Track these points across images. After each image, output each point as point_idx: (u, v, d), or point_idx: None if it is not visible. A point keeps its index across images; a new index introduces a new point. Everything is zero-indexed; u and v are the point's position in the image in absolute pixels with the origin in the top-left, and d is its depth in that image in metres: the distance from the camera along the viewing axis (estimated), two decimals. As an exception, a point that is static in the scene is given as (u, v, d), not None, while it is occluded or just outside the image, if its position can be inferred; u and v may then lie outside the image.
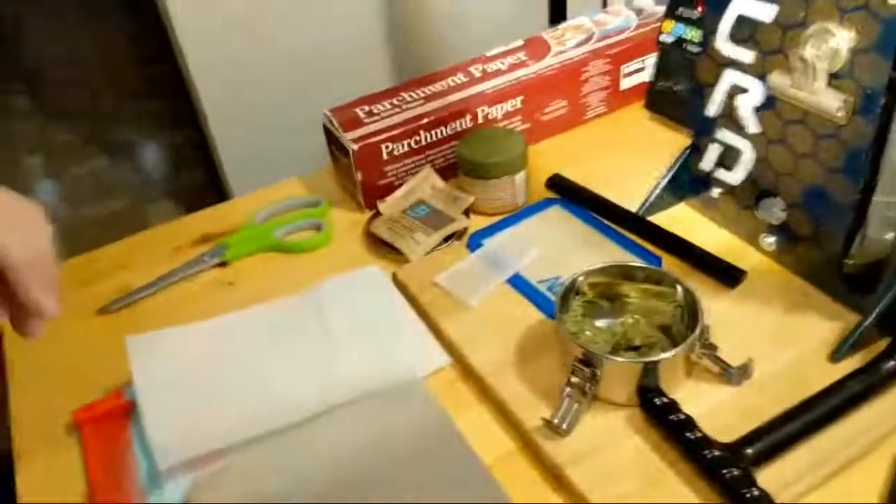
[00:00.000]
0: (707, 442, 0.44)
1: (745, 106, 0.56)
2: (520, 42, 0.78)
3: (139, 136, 2.26)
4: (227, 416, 0.52)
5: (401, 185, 0.71)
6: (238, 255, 0.68)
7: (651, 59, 0.77)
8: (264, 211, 0.72)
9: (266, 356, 0.57)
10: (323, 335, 0.58)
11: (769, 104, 0.54)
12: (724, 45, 0.56)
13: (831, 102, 0.48)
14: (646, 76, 0.78)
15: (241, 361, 0.57)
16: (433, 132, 0.70)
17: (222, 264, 0.68)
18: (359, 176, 0.69)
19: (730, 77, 0.56)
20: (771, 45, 0.52)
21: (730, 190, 0.61)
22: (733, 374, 0.49)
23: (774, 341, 0.52)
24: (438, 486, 0.46)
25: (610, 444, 0.47)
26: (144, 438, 0.51)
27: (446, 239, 0.66)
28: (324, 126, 0.72)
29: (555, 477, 0.47)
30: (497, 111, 0.73)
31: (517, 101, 0.73)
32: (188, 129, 2.07)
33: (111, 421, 0.54)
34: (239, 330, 0.59)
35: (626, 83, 0.79)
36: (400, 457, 0.48)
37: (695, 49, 0.70)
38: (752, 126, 0.56)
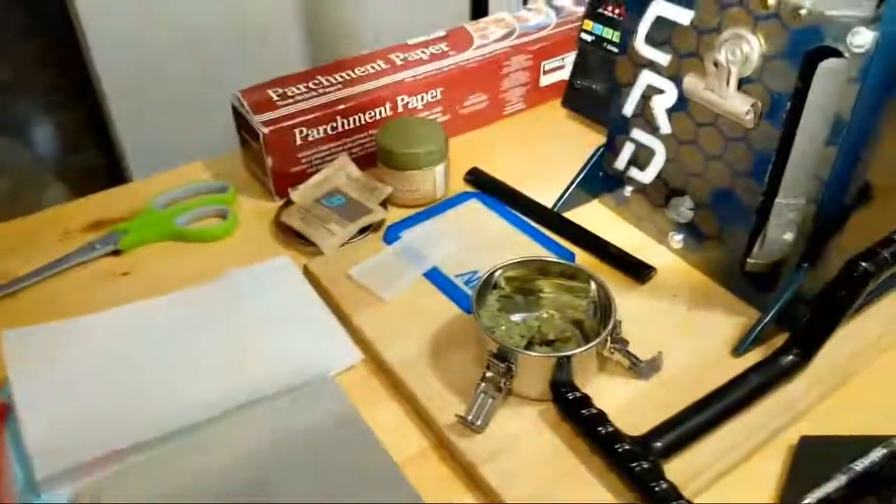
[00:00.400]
0: (618, 436, 0.44)
1: (660, 107, 0.57)
2: (442, 33, 0.77)
3: (31, 114, 2.10)
4: (116, 420, 0.48)
5: (315, 172, 0.68)
6: (134, 243, 0.64)
7: (571, 58, 0.78)
8: (165, 196, 0.68)
9: (164, 352, 0.53)
10: (227, 330, 0.55)
11: (682, 106, 0.55)
12: (642, 46, 0.56)
13: (741, 106, 0.50)
14: (565, 74, 0.79)
15: (135, 359, 0.53)
16: (350, 119, 0.68)
17: (116, 252, 0.63)
18: (269, 162, 0.66)
19: (646, 78, 0.57)
20: (686, 48, 0.53)
21: (641, 189, 0.62)
22: (643, 369, 0.50)
23: (681, 336, 0.54)
24: (348, 486, 0.44)
25: (524, 439, 0.47)
26: (20, 444, 0.46)
27: (362, 231, 0.64)
28: (233, 108, 0.68)
29: (468, 475, 0.46)
30: (417, 101, 0.72)
31: (437, 92, 0.72)
32: (84, 109, 1.95)
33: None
34: (134, 324, 0.55)
35: (545, 80, 0.80)
36: (309, 457, 0.46)
37: (614, 49, 0.71)
38: (665, 127, 0.57)
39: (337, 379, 0.52)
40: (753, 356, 0.52)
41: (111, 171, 1.64)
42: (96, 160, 1.88)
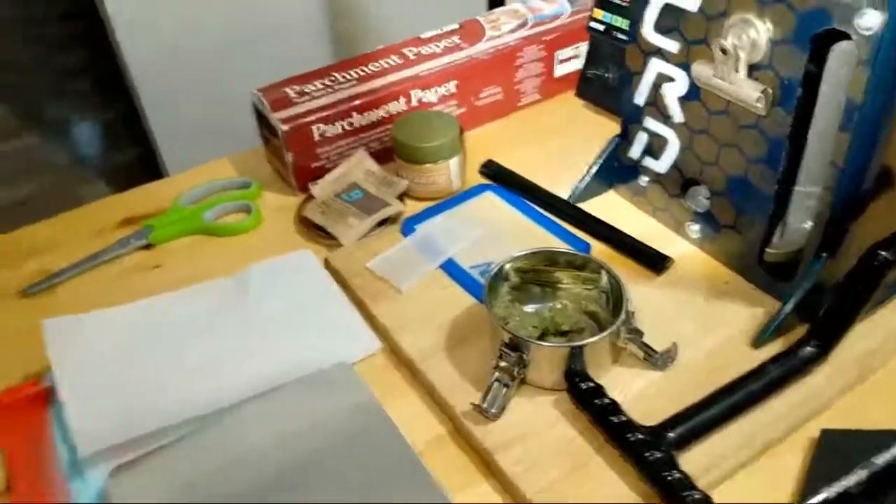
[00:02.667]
0: (631, 426, 0.45)
1: (671, 95, 0.57)
2: (455, 25, 0.77)
3: (71, 114, 2.16)
4: (150, 403, 0.51)
5: (333, 167, 0.70)
6: (164, 237, 0.66)
7: (585, 47, 0.78)
8: (192, 192, 0.70)
9: (192, 340, 0.55)
10: (252, 319, 0.57)
11: (694, 94, 0.55)
12: (650, 33, 0.56)
13: (751, 93, 0.49)
14: (580, 64, 0.79)
15: (165, 346, 0.55)
16: (366, 114, 0.69)
17: (148, 247, 0.65)
18: (289, 157, 0.67)
19: (656, 66, 0.57)
20: (695, 34, 0.53)
21: (657, 178, 0.62)
22: (658, 360, 0.50)
23: (698, 327, 0.53)
24: (367, 472, 0.46)
25: (538, 428, 0.48)
26: (64, 426, 0.49)
27: (380, 224, 0.65)
28: (253, 105, 0.70)
29: (485, 462, 0.47)
30: (432, 95, 0.72)
31: (451, 86, 0.73)
32: (120, 109, 1.99)
33: (30, 408, 0.52)
34: (164, 313, 0.58)
35: (560, 70, 0.79)
36: (328, 443, 0.47)
37: (623, 37, 0.71)
38: (678, 115, 0.57)
39: (356, 368, 0.53)
40: (772, 348, 0.51)
41: (147, 167, 1.68)
42: (132, 157, 1.93)
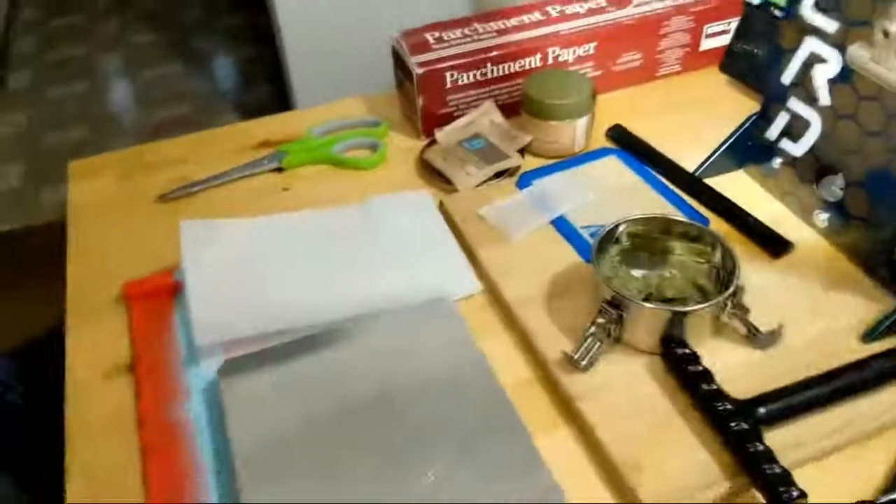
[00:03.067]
0: (721, 395, 0.44)
1: (821, 76, 0.54)
2: (603, -13, 0.77)
3: (215, 48, 2.30)
4: (264, 308, 0.55)
5: (461, 115, 0.71)
6: (295, 163, 0.70)
7: (735, 22, 0.75)
8: (325, 125, 0.74)
9: (310, 258, 0.59)
10: (366, 247, 0.60)
11: (845, 77, 0.53)
12: (809, 11, 0.54)
13: (909, 79, 0.47)
14: (727, 39, 0.76)
15: (286, 259, 0.59)
16: (500, 67, 0.70)
17: (279, 170, 0.70)
18: (420, 101, 0.70)
19: (810, 45, 0.55)
20: (857, 15, 0.50)
21: (791, 162, 0.60)
22: (761, 339, 0.49)
23: (808, 314, 0.52)
24: (457, 402, 0.48)
25: (626, 385, 0.48)
26: (187, 317, 0.54)
27: (498, 175, 0.67)
28: (392, 49, 0.72)
29: (567, 409, 0.48)
30: (569, 54, 0.72)
31: (590, 47, 0.73)
32: (263, 46, 2.10)
33: (158, 297, 0.57)
34: (288, 230, 0.62)
35: (706, 44, 0.77)
36: (425, 369, 0.50)
37: (779, 13, 0.68)
38: (825, 98, 0.55)
39: (457, 305, 0.55)
40: (883, 346, 0.49)
41: (281, 106, 1.77)
42: (268, 94, 2.04)
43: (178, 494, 0.45)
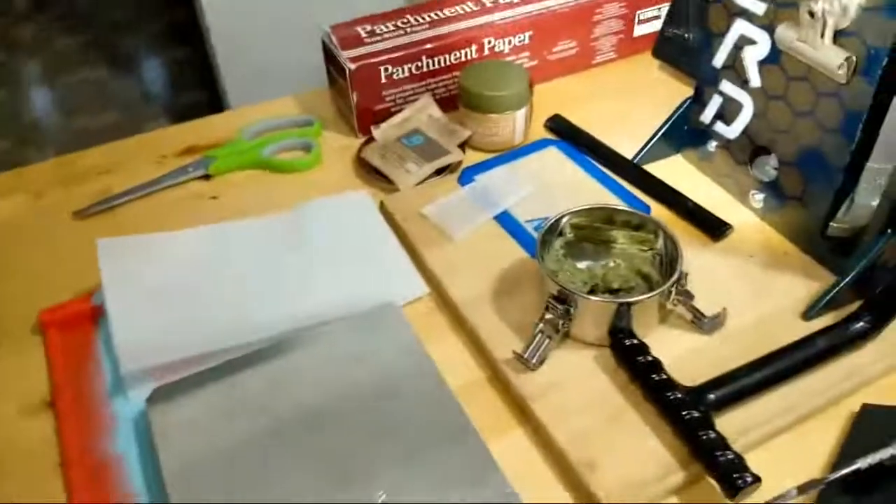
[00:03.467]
0: (671, 384, 0.44)
1: (751, 58, 0.55)
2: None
3: (142, 51, 2.21)
4: (196, 328, 0.51)
5: (398, 111, 0.70)
6: (223, 169, 0.67)
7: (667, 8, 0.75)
8: (254, 127, 0.71)
9: (242, 271, 0.57)
10: (303, 255, 0.58)
11: (774, 58, 0.53)
12: (737, -7, 0.54)
13: (833, 59, 0.47)
14: (660, 24, 0.76)
15: (216, 273, 0.56)
16: (436, 59, 0.69)
17: (206, 177, 0.67)
18: (354, 98, 0.68)
19: (739, 27, 0.55)
20: (784, -4, 0.51)
21: (726, 144, 0.60)
22: (706, 324, 0.50)
23: (750, 295, 0.53)
24: (405, 409, 0.47)
25: (577, 380, 0.48)
26: (111, 344, 0.50)
27: (439, 171, 0.65)
28: (323, 43, 0.70)
29: (520, 409, 0.48)
30: (504, 44, 0.71)
31: (525, 36, 0.72)
32: (193, 47, 2.03)
33: (77, 324, 0.53)
34: (217, 242, 0.59)
35: (640, 30, 0.77)
36: (370, 378, 0.49)
37: (708, -3, 0.68)
38: (755, 80, 0.55)
39: (402, 310, 0.54)
40: (824, 322, 0.50)
41: (214, 109, 1.72)
42: (199, 97, 1.97)
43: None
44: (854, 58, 0.47)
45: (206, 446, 0.44)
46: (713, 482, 0.42)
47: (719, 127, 0.60)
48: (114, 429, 0.47)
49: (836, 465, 0.42)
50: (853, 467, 0.39)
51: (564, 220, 0.53)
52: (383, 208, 0.62)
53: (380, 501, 0.41)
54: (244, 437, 0.45)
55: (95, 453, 0.46)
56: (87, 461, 0.45)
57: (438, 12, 0.71)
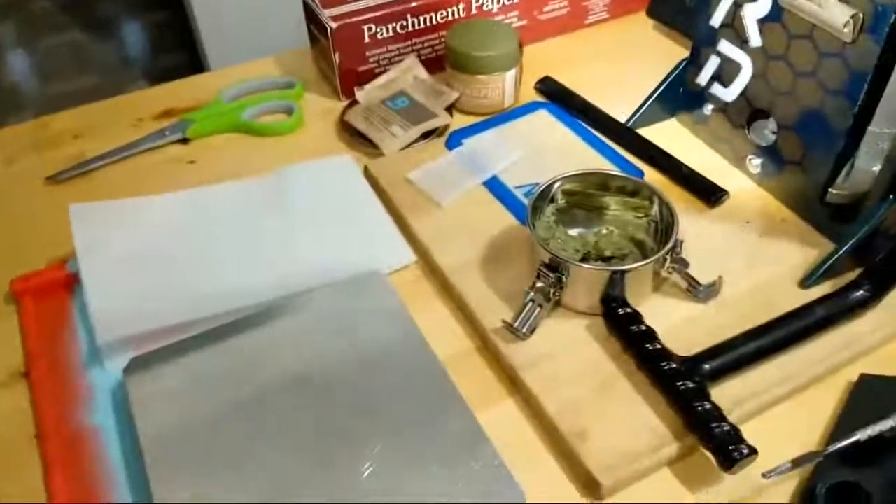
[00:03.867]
0: (665, 354, 0.43)
1: (751, 16, 0.53)
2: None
3: (122, 12, 2.15)
4: (175, 295, 0.50)
5: (382, 73, 0.67)
6: (202, 132, 0.65)
7: (661, -36, 0.73)
8: (234, 89, 0.68)
9: (223, 237, 0.54)
10: (285, 221, 0.56)
11: (776, 16, 0.51)
12: (737, -53, 0.52)
13: (839, 16, 0.45)
14: (653, -18, 0.74)
15: (193, 239, 0.54)
16: (422, 18, 0.66)
17: (184, 141, 0.64)
18: (337, 58, 0.65)
19: (739, -17, 0.53)
20: (787, -51, 0.48)
21: (723, 107, 0.58)
22: (701, 292, 0.48)
23: (747, 263, 0.51)
24: (390, 378, 0.45)
25: (568, 350, 0.46)
26: (87, 313, 0.48)
27: (425, 135, 0.63)
28: (303, 2, 0.67)
29: (510, 379, 0.46)
30: (493, 3, 0.69)
31: (515, -5, 0.69)
32: (172, 10, 1.97)
33: (52, 293, 0.51)
34: (196, 207, 0.57)
35: (632, -12, 0.75)
36: (355, 347, 0.47)
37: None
38: (755, 39, 0.53)
39: (388, 278, 0.52)
40: (822, 290, 0.49)
41: (194, 72, 1.67)
42: (180, 60, 1.92)
43: (88, 508, 0.40)
44: (861, 15, 0.45)
45: (185, 417, 0.43)
46: (708, 454, 0.40)
47: (716, 89, 0.58)
48: (90, 399, 0.45)
49: (833, 436, 0.41)
50: (853, 439, 0.38)
51: (556, 185, 0.52)
52: (368, 173, 0.60)
53: (366, 475, 0.40)
54: (225, 407, 0.43)
55: (72, 424, 0.44)
56: (64, 432, 0.44)
57: (425, -31, 0.68)
